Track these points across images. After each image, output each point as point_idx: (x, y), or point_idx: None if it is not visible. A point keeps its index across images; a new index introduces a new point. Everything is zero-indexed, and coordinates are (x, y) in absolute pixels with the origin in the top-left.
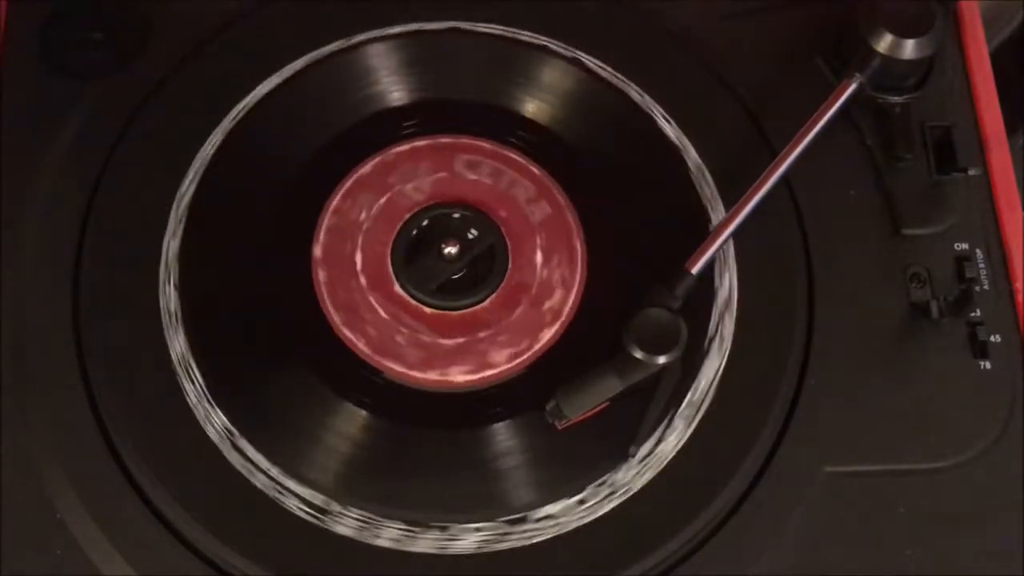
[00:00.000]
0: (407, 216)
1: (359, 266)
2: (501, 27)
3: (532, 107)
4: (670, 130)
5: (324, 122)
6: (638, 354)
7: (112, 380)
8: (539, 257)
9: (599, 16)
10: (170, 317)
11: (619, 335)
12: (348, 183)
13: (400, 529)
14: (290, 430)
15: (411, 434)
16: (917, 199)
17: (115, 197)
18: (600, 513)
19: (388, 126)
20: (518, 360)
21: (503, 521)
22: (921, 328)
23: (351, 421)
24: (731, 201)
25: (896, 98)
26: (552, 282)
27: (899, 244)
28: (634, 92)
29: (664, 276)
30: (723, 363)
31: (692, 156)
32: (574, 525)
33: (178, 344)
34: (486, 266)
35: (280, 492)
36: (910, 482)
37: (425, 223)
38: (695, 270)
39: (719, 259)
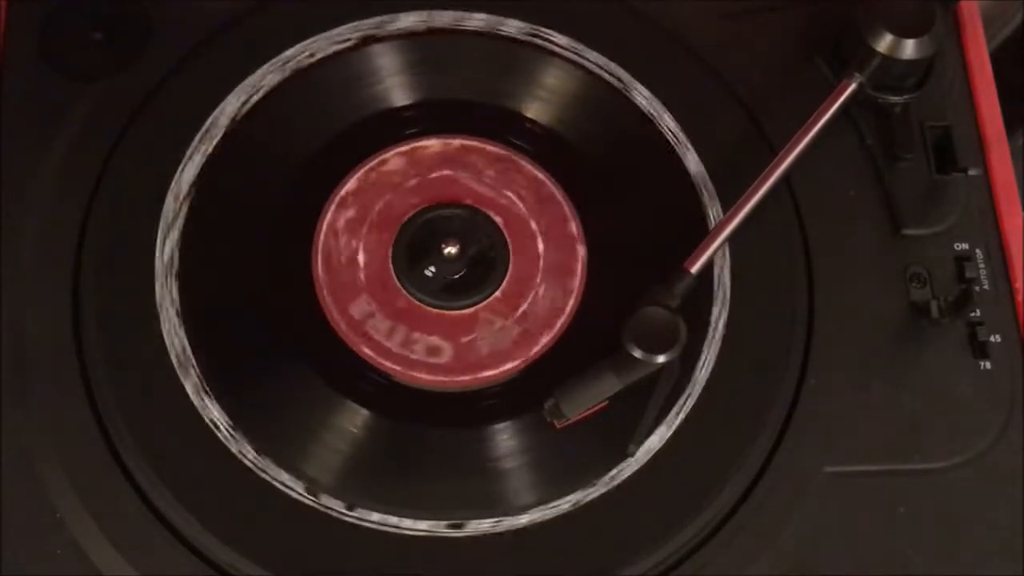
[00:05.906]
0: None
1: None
2: (496, 26)
3: (532, 107)
4: (670, 130)
5: (325, 121)
6: (637, 353)
7: (112, 380)
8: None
9: (599, 16)
10: (170, 316)
11: (618, 334)
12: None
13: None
14: (292, 429)
15: (422, 435)
16: (917, 199)
17: (115, 198)
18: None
19: (385, 127)
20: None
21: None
22: (921, 328)
23: (353, 420)
24: (731, 201)
25: (896, 98)
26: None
27: (899, 244)
28: (634, 92)
29: (664, 276)
30: (724, 363)
31: (692, 156)
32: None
33: (178, 343)
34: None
35: (281, 489)
36: (910, 482)
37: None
38: (694, 269)
39: (719, 258)
